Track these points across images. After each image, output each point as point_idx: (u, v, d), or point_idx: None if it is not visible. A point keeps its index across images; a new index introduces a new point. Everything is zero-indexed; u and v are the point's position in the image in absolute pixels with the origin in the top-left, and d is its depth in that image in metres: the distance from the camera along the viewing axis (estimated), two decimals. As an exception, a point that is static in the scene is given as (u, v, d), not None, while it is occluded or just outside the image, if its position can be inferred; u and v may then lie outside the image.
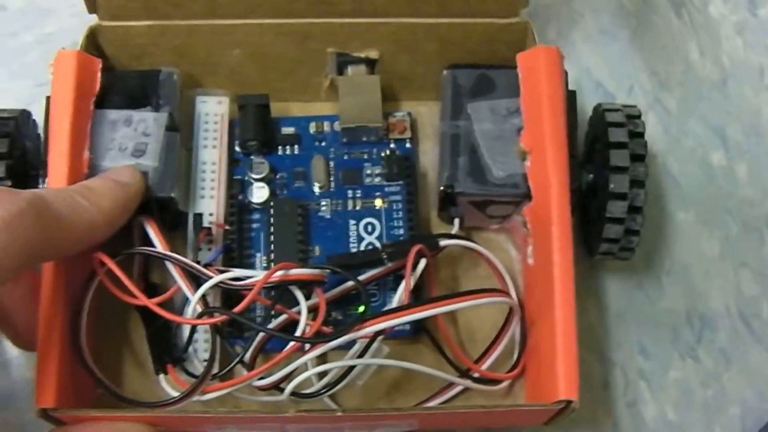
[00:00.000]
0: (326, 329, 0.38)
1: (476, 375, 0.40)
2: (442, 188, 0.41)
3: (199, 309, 0.38)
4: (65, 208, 0.35)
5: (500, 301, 0.39)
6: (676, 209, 0.47)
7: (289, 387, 0.37)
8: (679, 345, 0.44)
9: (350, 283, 0.40)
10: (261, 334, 0.39)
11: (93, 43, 0.43)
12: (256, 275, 0.38)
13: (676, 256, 0.46)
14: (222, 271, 0.38)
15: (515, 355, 0.41)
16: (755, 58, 0.50)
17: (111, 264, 0.38)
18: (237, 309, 0.37)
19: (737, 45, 0.50)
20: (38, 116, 0.43)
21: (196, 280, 0.38)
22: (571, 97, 0.42)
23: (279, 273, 0.38)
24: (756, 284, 0.45)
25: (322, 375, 0.38)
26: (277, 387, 0.38)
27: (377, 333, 0.37)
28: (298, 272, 0.38)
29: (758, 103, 0.49)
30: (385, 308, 0.38)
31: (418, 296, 0.40)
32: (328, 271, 0.39)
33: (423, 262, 0.39)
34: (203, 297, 0.38)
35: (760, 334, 0.45)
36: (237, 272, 0.38)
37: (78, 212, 0.35)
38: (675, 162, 0.48)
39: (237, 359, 0.39)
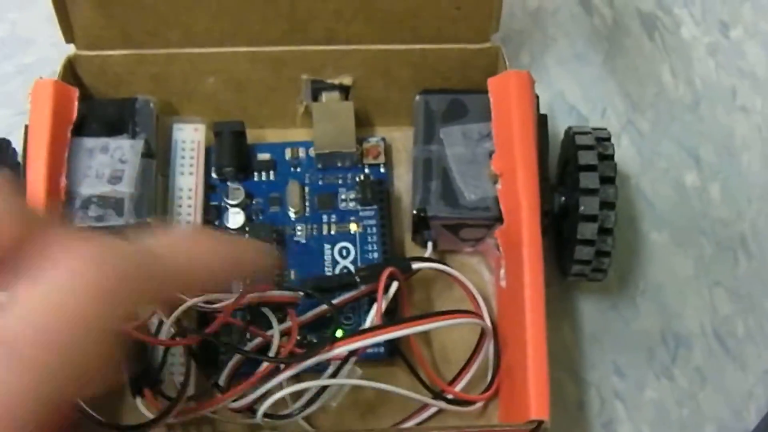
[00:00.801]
0: (299, 351, 0.38)
1: (450, 396, 0.40)
2: (414, 212, 0.41)
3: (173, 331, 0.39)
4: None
5: (472, 322, 0.40)
6: (649, 230, 0.47)
7: (262, 408, 0.37)
8: (654, 365, 0.44)
9: (325, 307, 0.40)
10: (236, 358, 0.39)
11: (71, 72, 0.44)
12: (229, 299, 0.39)
13: (650, 276, 0.46)
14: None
15: (489, 377, 0.41)
16: (727, 80, 0.50)
17: None
18: (208, 330, 0.38)
19: (709, 66, 0.50)
20: (18, 145, 0.43)
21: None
22: (542, 121, 0.42)
23: (252, 295, 0.38)
24: (730, 303, 0.46)
25: (296, 396, 0.38)
26: (251, 409, 0.38)
27: (350, 353, 0.37)
28: (271, 294, 0.39)
29: (731, 124, 0.49)
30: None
31: (392, 318, 0.40)
32: (301, 293, 0.39)
33: (395, 285, 0.40)
34: (178, 321, 0.39)
35: (735, 353, 0.45)
36: (211, 295, 0.39)
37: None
38: (648, 183, 0.48)
39: (211, 381, 0.39)
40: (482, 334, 0.41)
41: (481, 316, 0.41)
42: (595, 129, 0.43)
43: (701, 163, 0.48)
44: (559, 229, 0.43)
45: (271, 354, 0.38)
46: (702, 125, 0.49)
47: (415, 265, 0.41)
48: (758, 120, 0.49)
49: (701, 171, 0.48)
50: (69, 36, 0.43)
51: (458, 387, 0.41)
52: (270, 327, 0.39)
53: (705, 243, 0.47)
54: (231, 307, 0.38)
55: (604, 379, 0.44)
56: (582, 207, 0.41)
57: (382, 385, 0.38)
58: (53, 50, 0.47)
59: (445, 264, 0.43)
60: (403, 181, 0.45)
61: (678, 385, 0.44)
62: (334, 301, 0.40)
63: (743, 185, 0.48)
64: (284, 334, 0.39)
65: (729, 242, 0.47)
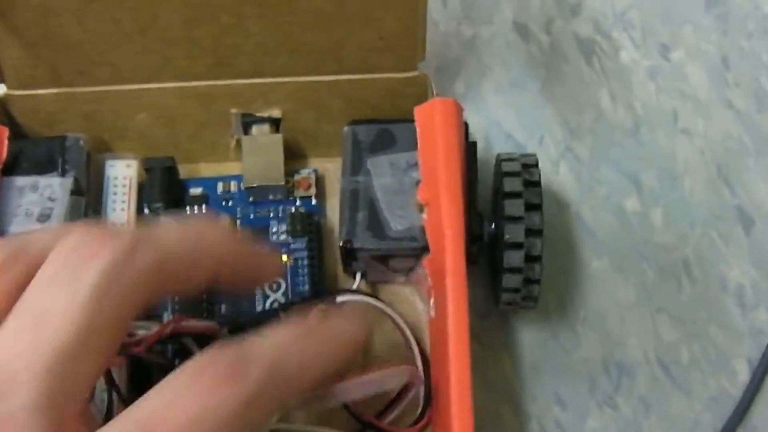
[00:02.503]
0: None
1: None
2: (341, 243, 0.41)
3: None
4: None
5: (400, 371, 0.39)
6: (590, 257, 0.46)
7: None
8: (597, 394, 0.44)
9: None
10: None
11: (2, 111, 0.44)
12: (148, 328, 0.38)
13: (591, 304, 0.45)
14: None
15: (420, 408, 0.41)
16: (668, 102, 0.50)
17: None
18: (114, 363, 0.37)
19: (650, 90, 0.50)
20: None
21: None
22: (471, 148, 0.42)
23: (171, 326, 0.38)
24: (674, 330, 0.45)
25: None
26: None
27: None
28: (190, 324, 0.39)
29: (672, 148, 0.49)
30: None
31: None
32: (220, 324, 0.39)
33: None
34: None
35: (680, 380, 0.44)
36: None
37: None
38: (588, 210, 0.47)
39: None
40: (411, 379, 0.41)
41: (413, 363, 0.40)
42: (522, 155, 0.43)
43: (642, 188, 0.48)
44: (492, 257, 0.43)
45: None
46: (643, 150, 0.49)
47: (340, 298, 0.41)
48: (700, 143, 0.49)
49: (642, 196, 0.48)
50: None
51: (388, 419, 0.40)
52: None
53: (647, 269, 0.46)
54: (152, 338, 0.38)
55: (546, 409, 0.44)
56: (507, 235, 0.40)
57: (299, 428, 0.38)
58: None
59: (373, 296, 0.42)
60: (335, 213, 0.44)
61: (622, 414, 0.44)
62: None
63: (686, 210, 0.47)
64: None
65: (672, 268, 0.46)
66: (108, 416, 0.37)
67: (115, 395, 0.38)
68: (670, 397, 0.44)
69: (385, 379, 0.39)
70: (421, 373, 0.40)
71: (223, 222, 0.36)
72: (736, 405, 0.44)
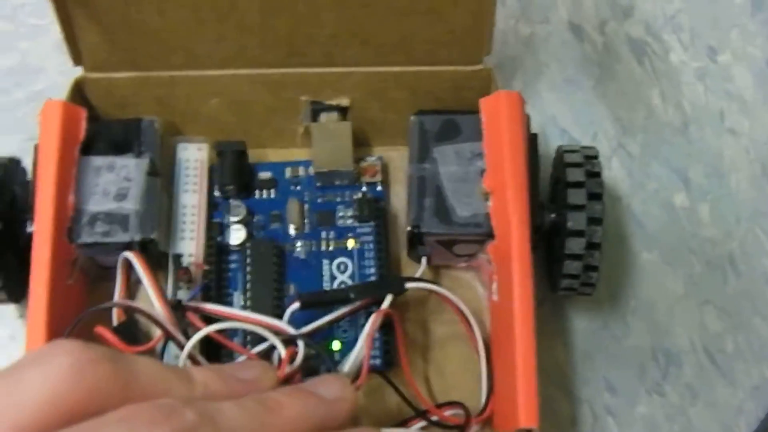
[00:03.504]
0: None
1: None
2: (409, 228, 0.43)
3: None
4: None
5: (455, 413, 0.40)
6: (640, 250, 0.48)
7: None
8: (646, 381, 0.45)
9: (323, 320, 0.41)
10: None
11: (79, 93, 0.45)
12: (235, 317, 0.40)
13: (640, 294, 0.47)
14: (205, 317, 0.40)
15: (482, 399, 0.42)
16: (716, 103, 0.51)
17: (108, 334, 0.38)
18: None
19: (698, 90, 0.52)
20: (28, 164, 0.45)
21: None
22: (533, 140, 0.43)
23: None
24: (720, 321, 0.47)
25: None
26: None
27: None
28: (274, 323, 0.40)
29: (719, 146, 0.50)
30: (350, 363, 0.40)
31: (387, 332, 0.42)
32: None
33: (389, 299, 0.41)
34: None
35: (725, 369, 0.46)
36: (218, 326, 0.40)
37: None
38: (639, 204, 0.49)
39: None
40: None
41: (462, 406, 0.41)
42: (583, 147, 0.44)
43: (690, 184, 0.50)
44: (549, 245, 0.45)
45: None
46: (691, 147, 0.51)
47: (408, 285, 0.42)
48: (746, 142, 0.50)
49: (690, 192, 0.49)
50: (77, 59, 0.45)
51: (449, 411, 0.41)
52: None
53: (695, 262, 0.48)
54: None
55: (596, 395, 0.45)
56: (570, 222, 0.42)
57: None
58: (62, 78, 0.48)
59: (437, 283, 0.43)
60: (399, 199, 0.47)
61: (669, 401, 0.45)
62: (332, 316, 0.41)
63: (732, 205, 0.49)
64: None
65: (718, 261, 0.48)
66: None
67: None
68: (715, 385, 0.45)
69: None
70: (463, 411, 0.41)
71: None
72: (779, 394, 0.45)
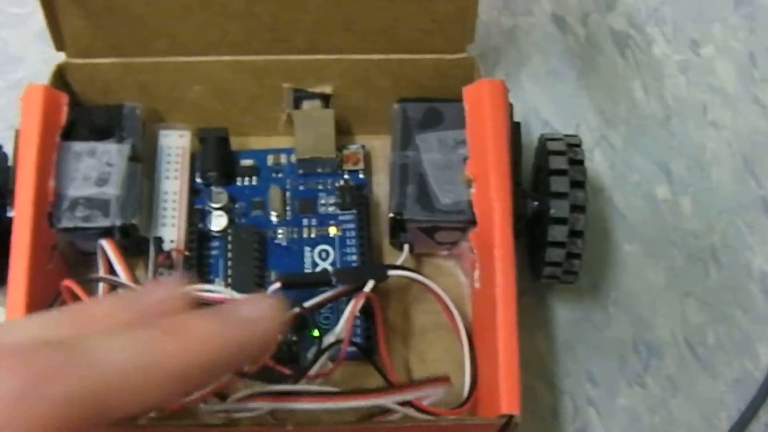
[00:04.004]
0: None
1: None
2: (391, 215, 0.43)
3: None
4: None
5: (440, 391, 0.39)
6: (622, 242, 0.48)
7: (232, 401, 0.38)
8: (627, 372, 0.46)
9: (292, 312, 0.40)
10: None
11: (61, 79, 0.45)
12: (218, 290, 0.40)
13: (622, 286, 0.47)
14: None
15: (465, 389, 0.41)
16: (698, 96, 0.52)
17: (80, 292, 0.39)
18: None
19: (680, 83, 0.52)
20: (8, 150, 0.44)
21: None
22: (515, 128, 0.44)
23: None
24: (701, 313, 0.47)
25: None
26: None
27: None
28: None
29: (701, 139, 0.51)
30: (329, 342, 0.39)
31: (367, 318, 0.42)
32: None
33: (370, 284, 0.40)
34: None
35: (706, 361, 0.46)
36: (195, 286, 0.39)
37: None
38: (621, 196, 0.49)
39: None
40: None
41: (447, 382, 0.40)
42: (566, 135, 0.44)
43: (672, 176, 0.50)
44: (532, 234, 0.45)
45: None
46: (673, 140, 0.51)
47: (390, 273, 0.42)
48: (728, 135, 0.51)
49: (672, 184, 0.50)
50: (59, 45, 0.45)
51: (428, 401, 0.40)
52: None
53: (676, 254, 0.48)
54: None
55: (578, 386, 0.45)
56: (552, 210, 0.42)
57: (343, 404, 0.38)
58: (42, 66, 0.48)
59: (418, 272, 0.43)
60: (381, 188, 0.47)
61: (650, 392, 0.45)
62: (311, 302, 0.41)
63: (713, 198, 0.50)
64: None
65: (700, 253, 0.48)
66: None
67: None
68: (696, 377, 0.46)
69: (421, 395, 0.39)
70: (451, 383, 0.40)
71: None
72: (759, 387, 0.45)
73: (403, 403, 0.39)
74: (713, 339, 0.46)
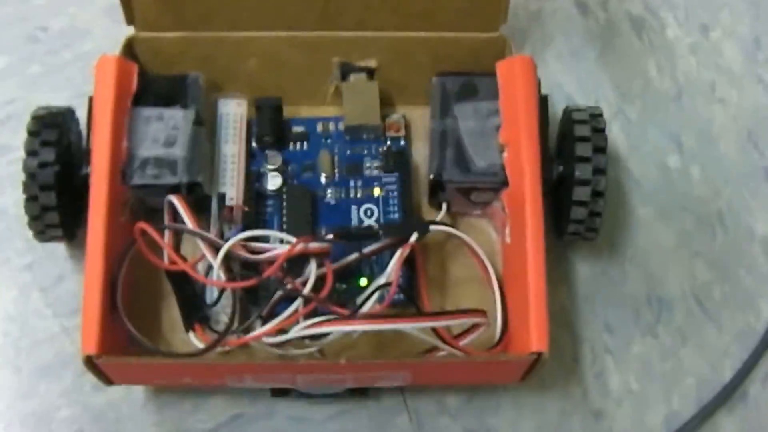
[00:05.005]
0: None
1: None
2: (432, 176, 0.47)
3: (223, 276, 0.44)
4: None
5: (476, 321, 0.44)
6: (637, 206, 0.52)
7: (294, 330, 0.43)
8: (641, 324, 0.49)
9: (351, 258, 0.45)
10: (275, 297, 0.44)
11: (129, 51, 0.49)
12: (271, 249, 0.44)
13: (637, 246, 0.51)
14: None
15: (497, 332, 0.46)
16: (707, 75, 0.56)
17: (154, 233, 0.44)
18: (265, 274, 0.43)
19: (691, 63, 0.56)
20: (80, 117, 0.49)
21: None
22: (543, 100, 0.47)
23: (300, 246, 0.44)
24: (708, 271, 0.51)
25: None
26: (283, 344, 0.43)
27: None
28: (315, 245, 0.44)
29: (710, 114, 0.55)
30: (379, 284, 0.44)
31: (411, 267, 0.46)
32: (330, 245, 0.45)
33: (414, 237, 0.44)
34: (226, 266, 0.44)
35: (712, 315, 0.50)
36: (254, 232, 0.45)
37: None
38: (636, 165, 0.53)
39: (257, 314, 0.44)
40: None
41: (482, 314, 0.44)
42: (589, 107, 0.48)
43: (683, 147, 0.54)
44: (556, 196, 0.48)
45: (306, 291, 0.43)
46: (684, 115, 0.55)
47: (432, 227, 0.46)
48: (734, 111, 0.55)
49: (683, 155, 0.54)
50: (130, 19, 0.48)
51: (465, 342, 0.44)
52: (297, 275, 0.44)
53: (686, 218, 0.52)
54: (284, 256, 0.43)
55: (596, 335, 0.49)
56: (577, 172, 0.46)
57: (399, 326, 0.43)
58: (108, 40, 0.52)
59: (456, 228, 0.48)
60: (420, 154, 0.51)
61: (661, 342, 0.49)
62: (369, 248, 0.45)
63: (720, 168, 0.53)
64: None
65: (707, 218, 0.52)
66: (232, 320, 0.44)
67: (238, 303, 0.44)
68: (703, 329, 0.50)
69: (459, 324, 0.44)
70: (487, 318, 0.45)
71: None
72: (760, 339, 0.49)
73: (444, 344, 0.43)
74: (719, 295, 0.50)
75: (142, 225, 0.44)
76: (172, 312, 0.47)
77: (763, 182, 0.53)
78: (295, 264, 0.44)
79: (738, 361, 0.49)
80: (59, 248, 0.50)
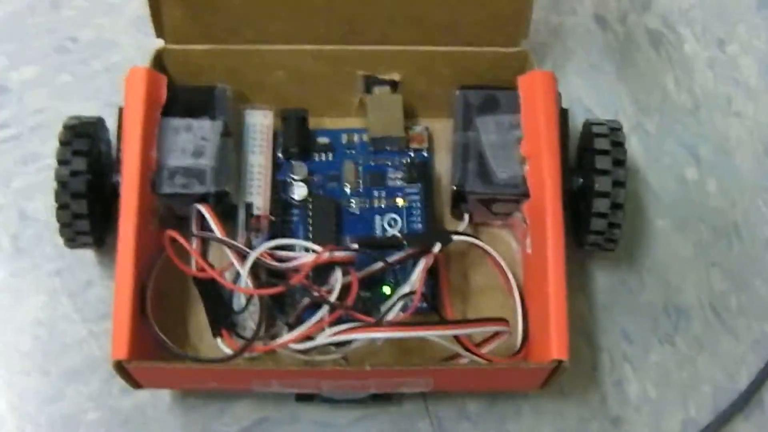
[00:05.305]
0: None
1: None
2: (454, 188, 0.48)
3: (250, 283, 0.45)
4: None
5: (498, 329, 0.45)
6: (655, 217, 0.53)
7: (320, 337, 0.43)
8: (658, 332, 0.50)
9: (375, 267, 0.46)
10: (301, 305, 0.45)
11: (159, 62, 0.50)
12: (297, 258, 0.45)
13: (655, 256, 0.52)
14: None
15: (518, 341, 0.46)
16: (724, 89, 0.56)
17: (183, 241, 0.45)
18: (292, 281, 0.44)
19: (708, 77, 0.57)
20: (109, 126, 0.50)
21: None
22: (563, 113, 0.48)
23: (327, 255, 0.44)
24: (725, 281, 0.51)
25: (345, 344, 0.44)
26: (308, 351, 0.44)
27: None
28: (339, 254, 0.45)
29: (726, 127, 0.55)
30: (403, 292, 0.45)
31: (434, 276, 0.47)
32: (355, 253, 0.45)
33: (437, 246, 0.45)
34: (253, 274, 0.45)
35: (729, 324, 0.51)
36: (281, 241, 0.45)
37: None
38: (654, 177, 0.54)
39: (283, 321, 0.45)
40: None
41: (505, 322, 0.45)
42: (609, 120, 0.49)
43: (700, 160, 0.55)
44: (576, 207, 0.49)
45: (332, 299, 0.44)
46: (701, 128, 0.56)
47: (455, 237, 0.47)
48: (750, 124, 0.56)
49: (700, 167, 0.54)
50: (159, 32, 0.49)
51: (486, 349, 0.45)
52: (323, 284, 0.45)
53: (703, 229, 0.53)
54: (310, 265, 0.44)
55: (615, 344, 0.50)
56: (597, 185, 0.47)
57: (422, 333, 0.44)
58: (135, 51, 0.53)
59: (478, 238, 0.49)
60: (442, 165, 0.51)
61: (679, 350, 0.50)
62: (393, 258, 0.46)
63: (736, 180, 0.54)
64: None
65: (724, 229, 0.53)
66: (259, 326, 0.44)
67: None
68: (720, 338, 0.50)
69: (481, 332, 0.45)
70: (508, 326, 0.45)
71: None
72: (776, 348, 0.50)
73: (466, 351, 0.44)
74: (735, 304, 0.51)
75: (172, 233, 0.45)
76: (199, 318, 0.47)
77: (779, 194, 0.54)
78: (321, 272, 0.45)
79: (754, 369, 0.50)
80: (88, 254, 0.51)
